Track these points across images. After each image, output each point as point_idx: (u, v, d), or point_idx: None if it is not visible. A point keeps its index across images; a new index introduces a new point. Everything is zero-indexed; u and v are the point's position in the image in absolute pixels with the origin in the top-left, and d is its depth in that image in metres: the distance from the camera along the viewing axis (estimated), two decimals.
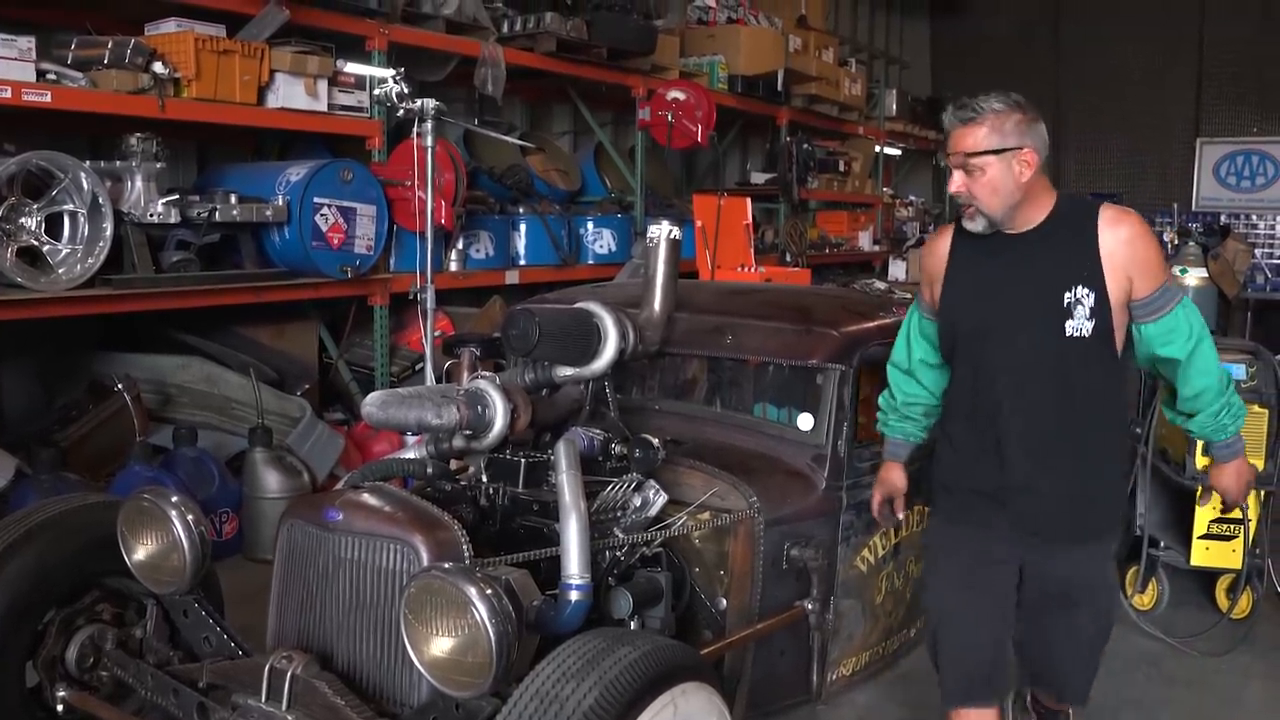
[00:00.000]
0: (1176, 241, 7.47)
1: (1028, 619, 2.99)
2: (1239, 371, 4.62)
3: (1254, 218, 13.72)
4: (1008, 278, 2.81)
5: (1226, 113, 14.25)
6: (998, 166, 2.70)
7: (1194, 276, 5.42)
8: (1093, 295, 2.72)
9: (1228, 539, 4.65)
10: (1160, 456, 4.70)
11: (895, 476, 3.23)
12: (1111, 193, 15.13)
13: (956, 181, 2.76)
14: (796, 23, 10.36)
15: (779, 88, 9.86)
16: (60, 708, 3.00)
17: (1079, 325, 2.73)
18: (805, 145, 10.06)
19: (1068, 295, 2.73)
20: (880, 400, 3.27)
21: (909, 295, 5.25)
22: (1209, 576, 4.85)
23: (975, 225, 2.79)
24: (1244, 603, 4.66)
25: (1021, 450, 2.83)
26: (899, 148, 13.97)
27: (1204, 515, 4.64)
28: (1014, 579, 2.93)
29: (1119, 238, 2.73)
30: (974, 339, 2.87)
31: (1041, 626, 3.01)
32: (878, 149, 12.81)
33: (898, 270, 10.87)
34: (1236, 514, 4.53)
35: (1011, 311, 2.80)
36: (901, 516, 3.31)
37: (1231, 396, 2.87)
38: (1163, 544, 4.79)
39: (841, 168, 11.23)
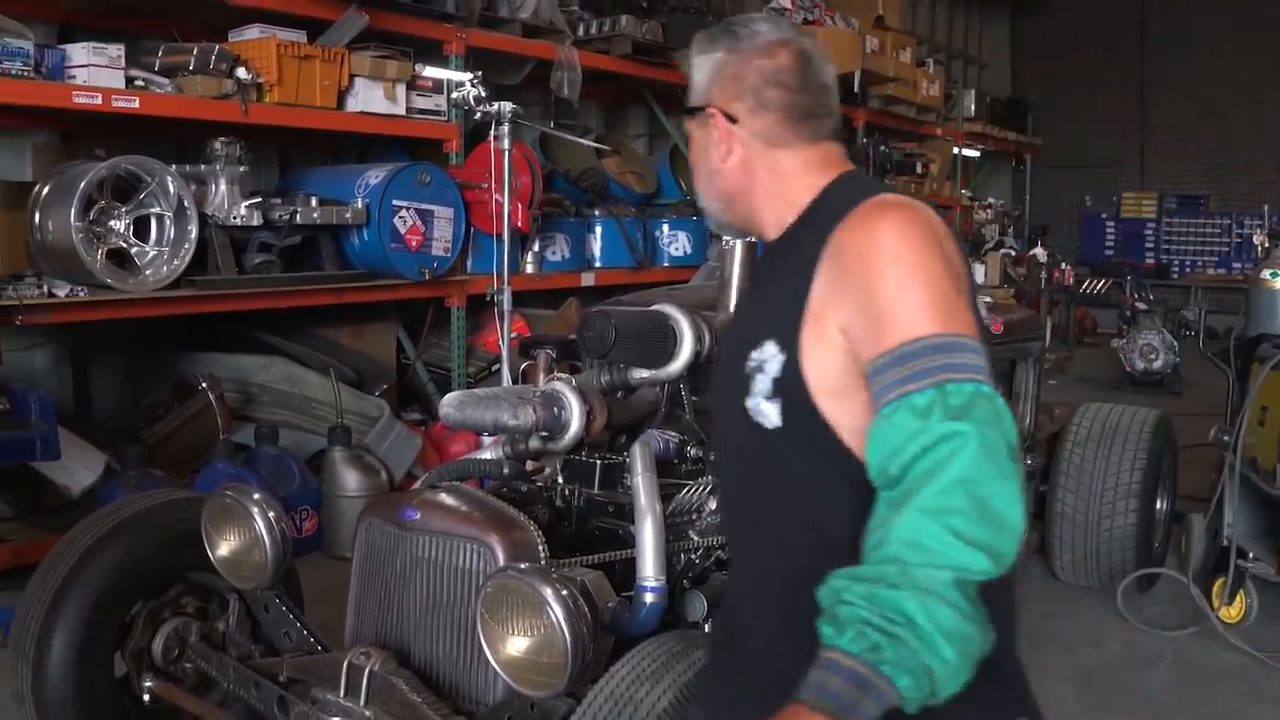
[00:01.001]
0: (1267, 244, 7.26)
1: None
2: None
3: None
4: (738, 314, 1.82)
5: None
6: (696, 134, 1.81)
7: None
8: (780, 359, 1.58)
9: None
10: (1249, 465, 4.56)
11: None
12: (1198, 195, 14.80)
13: None
14: (874, 23, 10.27)
15: (856, 89, 9.78)
16: (147, 698, 3.07)
17: (756, 406, 1.61)
18: (882, 147, 9.97)
19: (754, 356, 1.62)
20: None
21: (988, 299, 5.16)
22: None
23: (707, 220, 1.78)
24: None
25: (734, 583, 1.85)
26: (977, 149, 13.77)
27: None
28: None
29: (844, 254, 1.54)
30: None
31: None
32: (956, 150, 12.66)
33: (976, 273, 10.72)
34: None
35: (719, 369, 1.80)
36: None
37: (938, 618, 1.32)
38: (1251, 555, 4.64)
39: (919, 169, 11.12)
